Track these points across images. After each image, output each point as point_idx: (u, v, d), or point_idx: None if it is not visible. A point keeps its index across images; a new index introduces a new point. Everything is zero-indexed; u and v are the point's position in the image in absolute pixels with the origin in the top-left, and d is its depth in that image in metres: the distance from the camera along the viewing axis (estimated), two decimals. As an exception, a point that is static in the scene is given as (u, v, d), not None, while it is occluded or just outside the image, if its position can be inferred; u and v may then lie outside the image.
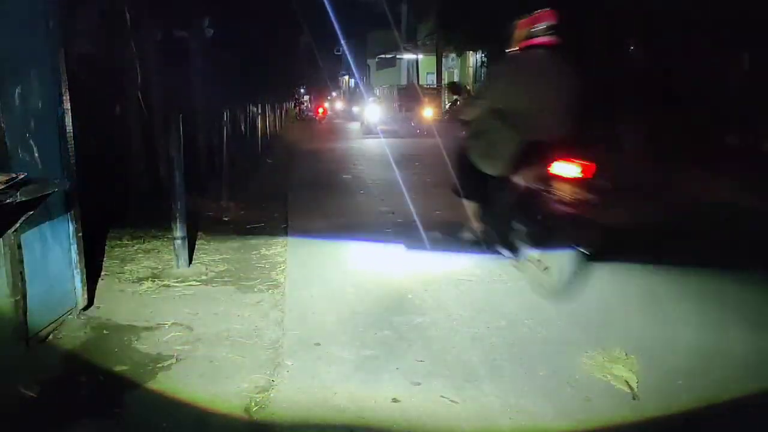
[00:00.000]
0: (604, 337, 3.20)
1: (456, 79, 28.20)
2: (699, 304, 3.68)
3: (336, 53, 51.17)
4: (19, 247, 2.88)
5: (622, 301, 3.78)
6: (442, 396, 2.63)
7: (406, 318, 3.53)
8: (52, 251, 3.22)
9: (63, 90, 3.25)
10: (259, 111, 11.95)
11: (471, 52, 23.72)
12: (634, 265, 4.38)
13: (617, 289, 4.00)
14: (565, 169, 3.48)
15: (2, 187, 2.53)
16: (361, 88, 20.01)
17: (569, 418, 2.47)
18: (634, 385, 2.70)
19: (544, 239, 3.71)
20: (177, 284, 4.10)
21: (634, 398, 2.60)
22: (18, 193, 2.60)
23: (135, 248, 4.95)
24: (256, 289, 4.04)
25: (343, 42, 46.35)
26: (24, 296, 2.91)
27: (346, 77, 50.76)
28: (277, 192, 8.13)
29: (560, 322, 3.44)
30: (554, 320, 3.46)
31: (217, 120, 8.22)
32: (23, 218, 2.81)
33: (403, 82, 33.79)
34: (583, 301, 3.72)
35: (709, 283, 4.05)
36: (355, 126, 22.91)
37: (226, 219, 6.23)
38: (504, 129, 3.97)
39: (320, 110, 28.47)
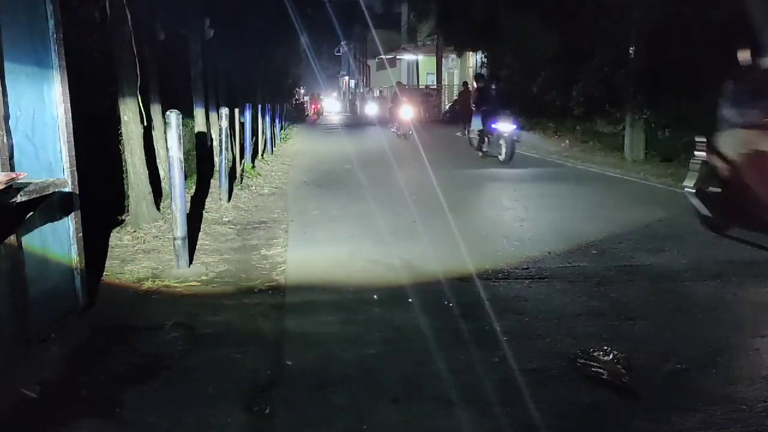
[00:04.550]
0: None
1: (456, 79, 28.22)
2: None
3: (336, 54, 51.26)
4: (20, 247, 2.88)
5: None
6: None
7: (407, 316, 3.54)
8: (53, 251, 3.22)
9: (63, 90, 3.25)
10: (259, 111, 11.94)
11: (471, 52, 23.71)
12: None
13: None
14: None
15: (2, 187, 2.53)
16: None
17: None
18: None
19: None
20: (177, 284, 4.10)
21: None
22: (18, 194, 2.60)
23: (135, 248, 4.95)
24: (256, 290, 4.04)
25: (343, 42, 46.49)
26: (24, 296, 2.91)
27: (346, 77, 50.80)
28: (277, 192, 8.14)
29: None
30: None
31: (216, 120, 8.23)
32: (24, 219, 2.82)
33: (404, 82, 33.76)
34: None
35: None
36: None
37: (227, 219, 6.23)
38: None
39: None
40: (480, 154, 11.93)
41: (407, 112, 16.30)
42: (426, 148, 12.71)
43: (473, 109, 12.42)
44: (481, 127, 11.90)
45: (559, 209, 6.91)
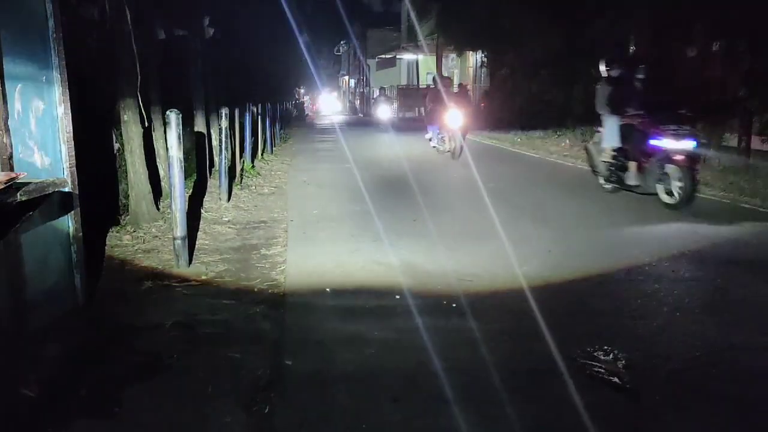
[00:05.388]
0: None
1: (456, 79, 28.22)
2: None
3: (336, 53, 51.32)
4: (20, 247, 2.88)
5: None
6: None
7: (407, 316, 3.54)
8: (52, 251, 3.22)
9: (63, 90, 3.25)
10: (259, 111, 11.93)
11: (471, 52, 23.72)
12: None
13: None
14: None
15: (2, 187, 2.53)
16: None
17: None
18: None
19: None
20: (177, 284, 4.09)
21: None
22: (18, 193, 2.60)
23: (135, 248, 4.95)
24: (256, 289, 4.04)
25: (342, 42, 46.49)
26: (24, 296, 2.91)
27: (346, 77, 50.82)
28: (277, 191, 8.14)
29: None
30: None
31: (216, 119, 8.23)
32: (23, 218, 2.82)
33: (403, 82, 33.80)
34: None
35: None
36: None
37: (226, 219, 6.23)
38: None
39: None
40: (609, 186, 7.55)
41: (456, 117, 11.00)
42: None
43: (608, 111, 7.41)
44: (618, 144, 7.27)
45: None
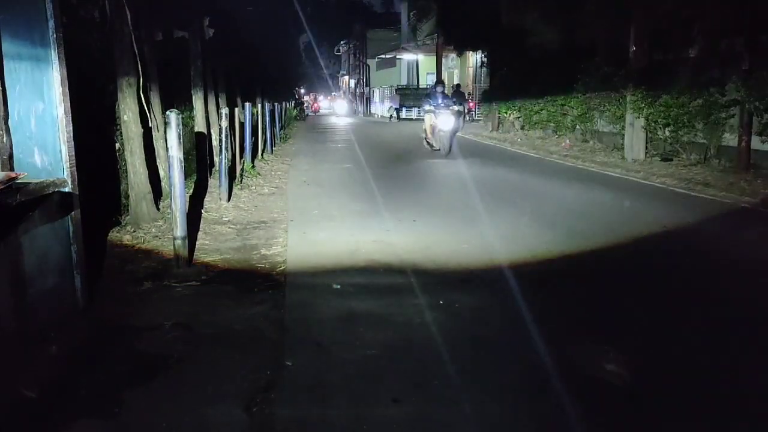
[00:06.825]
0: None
1: (456, 79, 28.21)
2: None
3: (336, 53, 51.37)
4: (20, 247, 2.88)
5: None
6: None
7: (408, 316, 3.54)
8: (53, 251, 3.22)
9: (63, 90, 3.25)
10: (259, 111, 11.94)
11: (471, 52, 23.72)
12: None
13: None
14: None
15: (2, 187, 2.53)
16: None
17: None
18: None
19: None
20: (177, 284, 4.09)
21: None
22: (18, 194, 2.60)
23: (135, 248, 4.95)
24: (256, 289, 4.04)
25: (342, 42, 46.49)
26: (24, 296, 2.91)
27: (346, 77, 50.85)
28: (277, 191, 8.14)
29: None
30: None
31: (216, 119, 8.23)
32: (23, 218, 2.82)
33: (403, 82, 33.82)
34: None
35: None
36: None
37: (227, 219, 6.23)
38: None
39: None
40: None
41: None
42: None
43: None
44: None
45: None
